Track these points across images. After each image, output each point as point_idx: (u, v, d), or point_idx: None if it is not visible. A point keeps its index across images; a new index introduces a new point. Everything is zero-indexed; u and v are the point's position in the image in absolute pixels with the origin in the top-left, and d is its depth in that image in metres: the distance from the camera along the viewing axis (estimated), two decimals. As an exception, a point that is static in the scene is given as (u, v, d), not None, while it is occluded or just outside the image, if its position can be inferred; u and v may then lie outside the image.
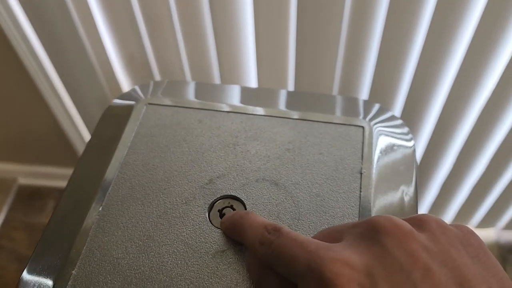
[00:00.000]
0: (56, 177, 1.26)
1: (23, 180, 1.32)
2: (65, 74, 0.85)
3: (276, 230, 0.26)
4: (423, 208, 1.03)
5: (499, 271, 0.22)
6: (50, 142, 1.14)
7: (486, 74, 0.68)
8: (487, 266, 0.22)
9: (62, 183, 0.34)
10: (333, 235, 0.25)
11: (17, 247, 1.25)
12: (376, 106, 0.41)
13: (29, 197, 1.31)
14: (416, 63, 0.67)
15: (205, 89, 0.42)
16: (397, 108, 0.76)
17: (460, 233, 0.23)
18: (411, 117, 0.77)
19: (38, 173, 1.28)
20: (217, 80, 0.73)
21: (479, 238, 0.24)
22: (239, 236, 0.29)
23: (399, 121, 0.41)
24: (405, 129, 0.40)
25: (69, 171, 0.35)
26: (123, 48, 0.72)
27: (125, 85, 0.80)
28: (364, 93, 0.72)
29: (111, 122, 0.38)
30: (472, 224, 1.08)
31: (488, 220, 1.06)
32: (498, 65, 0.66)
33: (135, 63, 0.75)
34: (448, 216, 1.04)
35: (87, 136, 1.05)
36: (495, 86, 0.69)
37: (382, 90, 0.71)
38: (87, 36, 0.71)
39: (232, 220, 0.30)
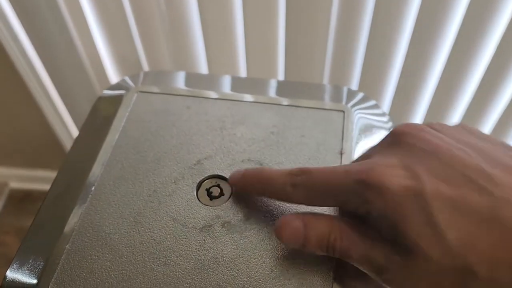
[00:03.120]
0: (47, 180, 1.26)
1: (14, 184, 1.32)
2: (56, 75, 0.86)
3: (303, 170, 0.27)
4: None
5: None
6: (42, 146, 1.15)
7: (471, 72, 0.71)
8: (499, 144, 0.26)
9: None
10: (364, 158, 0.28)
11: (8, 252, 1.25)
12: (360, 95, 0.43)
13: (21, 201, 1.31)
14: (404, 58, 0.69)
15: (194, 78, 0.44)
16: (386, 104, 0.78)
17: (459, 126, 0.27)
18: (399, 112, 0.79)
19: (29, 177, 1.29)
20: (206, 71, 0.75)
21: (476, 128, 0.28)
22: (261, 187, 0.30)
23: (380, 110, 0.43)
24: (386, 118, 0.42)
25: (59, 174, 0.36)
26: (114, 46, 0.74)
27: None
28: (353, 87, 0.74)
29: (103, 110, 0.39)
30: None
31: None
32: (483, 60, 0.69)
33: (126, 63, 0.77)
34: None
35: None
36: (480, 82, 0.71)
37: (372, 86, 0.73)
38: (78, 35, 0.72)
39: (250, 174, 0.31)
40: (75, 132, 1.05)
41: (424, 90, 0.74)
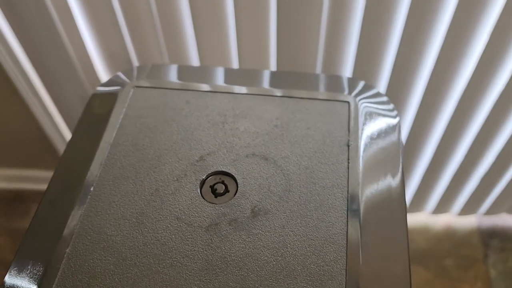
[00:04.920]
0: (38, 180, 1.24)
1: (4, 184, 1.29)
2: (44, 72, 0.84)
3: None
4: (407, 195, 1.04)
5: None
6: (31, 144, 1.12)
7: (467, 55, 0.70)
8: None
9: (45, 186, 0.34)
10: None
11: (0, 253, 1.23)
12: (361, 83, 0.42)
13: (11, 201, 1.29)
14: (399, 41, 0.68)
15: (190, 71, 0.42)
16: (381, 88, 0.77)
17: None
18: (394, 98, 0.78)
19: (19, 177, 1.26)
20: (198, 64, 0.73)
21: None
22: None
23: (385, 98, 0.42)
24: (391, 106, 0.41)
25: (51, 174, 0.34)
26: (102, 42, 0.72)
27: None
28: (347, 72, 0.73)
29: (97, 107, 0.38)
30: (454, 210, 1.10)
31: (469, 206, 1.08)
32: (481, 41, 0.67)
33: (115, 58, 0.75)
34: (431, 202, 1.06)
35: (68, 137, 1.03)
36: (477, 65, 0.70)
37: (366, 70, 0.72)
38: (65, 32, 0.70)
39: None
40: (64, 130, 1.02)
41: (420, 74, 0.73)
